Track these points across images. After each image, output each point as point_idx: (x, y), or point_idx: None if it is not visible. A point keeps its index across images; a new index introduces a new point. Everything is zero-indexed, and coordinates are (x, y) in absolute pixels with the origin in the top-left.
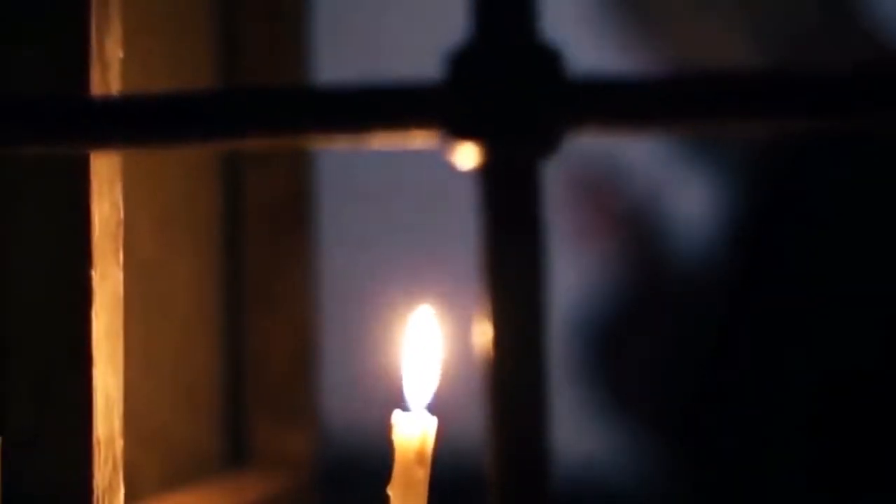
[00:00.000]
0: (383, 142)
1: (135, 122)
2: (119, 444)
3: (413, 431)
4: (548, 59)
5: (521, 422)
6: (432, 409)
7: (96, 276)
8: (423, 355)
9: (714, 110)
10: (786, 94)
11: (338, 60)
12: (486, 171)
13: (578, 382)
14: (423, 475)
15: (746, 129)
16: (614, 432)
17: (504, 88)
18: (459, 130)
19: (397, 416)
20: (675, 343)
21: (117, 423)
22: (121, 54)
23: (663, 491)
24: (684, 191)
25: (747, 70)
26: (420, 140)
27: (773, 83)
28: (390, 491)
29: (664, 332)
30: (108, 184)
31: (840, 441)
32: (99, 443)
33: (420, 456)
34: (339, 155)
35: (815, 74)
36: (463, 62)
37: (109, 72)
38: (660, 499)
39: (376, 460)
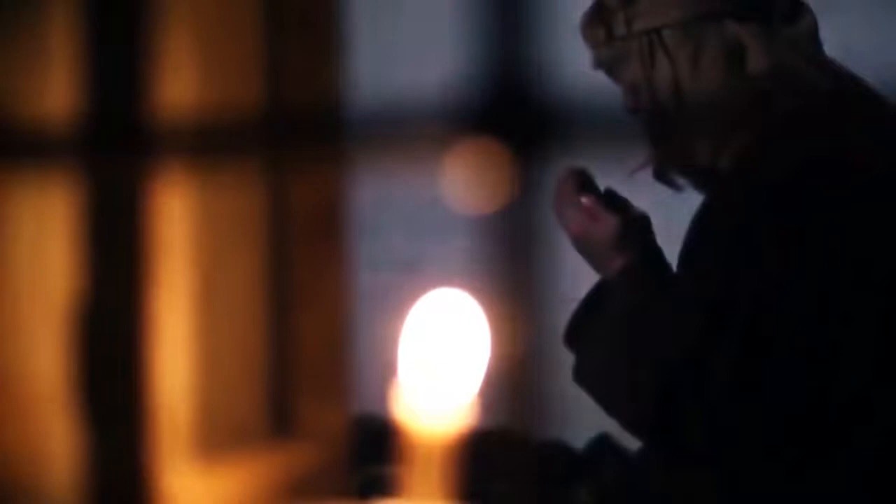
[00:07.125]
0: (405, 155)
1: (184, 142)
2: (182, 418)
3: (427, 409)
4: (539, 84)
5: (523, 396)
6: (448, 388)
7: (163, 274)
8: (442, 343)
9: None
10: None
11: (365, 74)
12: (489, 178)
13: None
14: (438, 448)
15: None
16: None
17: (505, 108)
18: (465, 141)
19: (410, 396)
20: (661, 343)
21: (181, 401)
22: (178, 75)
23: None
24: (672, 194)
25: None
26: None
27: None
28: (407, 464)
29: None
30: (172, 193)
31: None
32: (165, 418)
33: (436, 431)
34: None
35: None
36: (469, 85)
37: (164, 92)
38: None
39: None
